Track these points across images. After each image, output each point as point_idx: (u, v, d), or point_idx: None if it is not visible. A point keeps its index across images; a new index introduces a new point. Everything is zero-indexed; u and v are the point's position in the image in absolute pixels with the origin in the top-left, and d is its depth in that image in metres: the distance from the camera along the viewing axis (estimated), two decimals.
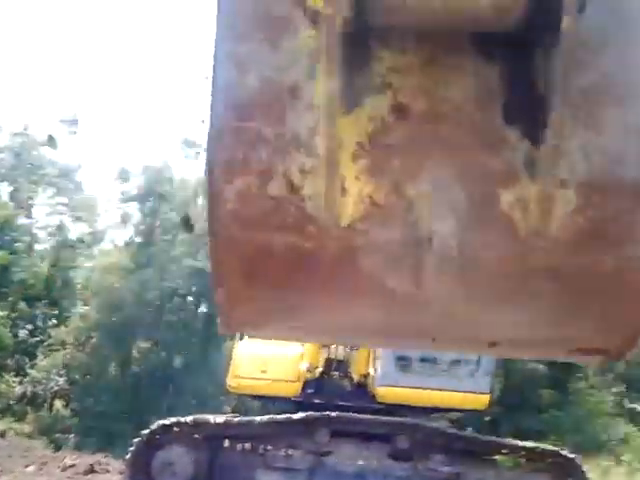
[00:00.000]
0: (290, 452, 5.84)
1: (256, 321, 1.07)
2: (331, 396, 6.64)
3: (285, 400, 6.78)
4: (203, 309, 20.84)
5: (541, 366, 25.74)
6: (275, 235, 0.89)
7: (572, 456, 6.68)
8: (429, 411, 6.67)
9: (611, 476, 15.22)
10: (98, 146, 58.25)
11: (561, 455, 6.60)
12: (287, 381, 6.58)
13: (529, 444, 6.70)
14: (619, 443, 20.33)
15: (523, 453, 6.75)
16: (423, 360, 6.24)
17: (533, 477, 6.61)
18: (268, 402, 7.62)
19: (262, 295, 0.98)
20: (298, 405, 6.47)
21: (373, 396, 6.75)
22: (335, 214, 0.87)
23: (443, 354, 6.01)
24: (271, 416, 6.21)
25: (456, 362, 6.19)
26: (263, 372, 6.48)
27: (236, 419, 6.31)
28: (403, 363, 6.29)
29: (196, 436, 5.81)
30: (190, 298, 21.26)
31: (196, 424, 5.90)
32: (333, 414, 6.04)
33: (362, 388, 6.89)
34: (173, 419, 6.05)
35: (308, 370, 6.68)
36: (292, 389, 6.62)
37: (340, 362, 7.26)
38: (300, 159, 0.86)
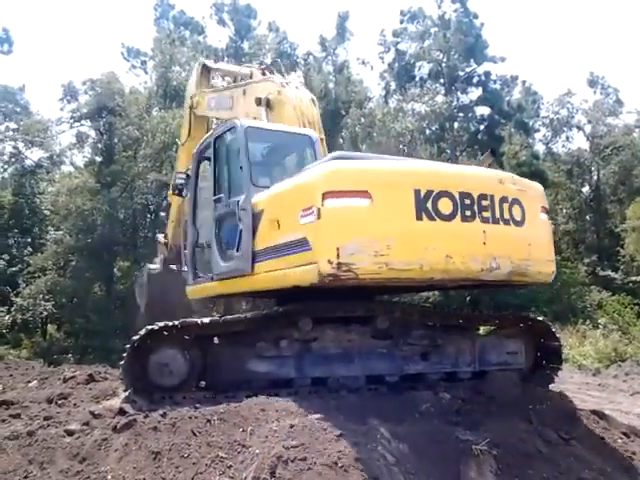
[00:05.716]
0: None
1: None
2: None
3: None
4: None
5: None
6: None
7: (541, 318, 6.87)
8: None
9: (588, 338, 16.18)
10: (39, 64, 53.66)
11: (531, 319, 6.77)
12: None
13: (500, 313, 6.80)
14: (595, 309, 21.55)
15: (497, 322, 6.92)
16: None
17: (508, 341, 6.83)
18: None
19: None
20: None
21: None
22: None
23: None
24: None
25: None
26: None
27: (221, 318, 6.30)
28: None
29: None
30: (162, 213, 20.83)
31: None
32: None
33: None
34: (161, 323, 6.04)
35: None
36: None
37: None
38: None
